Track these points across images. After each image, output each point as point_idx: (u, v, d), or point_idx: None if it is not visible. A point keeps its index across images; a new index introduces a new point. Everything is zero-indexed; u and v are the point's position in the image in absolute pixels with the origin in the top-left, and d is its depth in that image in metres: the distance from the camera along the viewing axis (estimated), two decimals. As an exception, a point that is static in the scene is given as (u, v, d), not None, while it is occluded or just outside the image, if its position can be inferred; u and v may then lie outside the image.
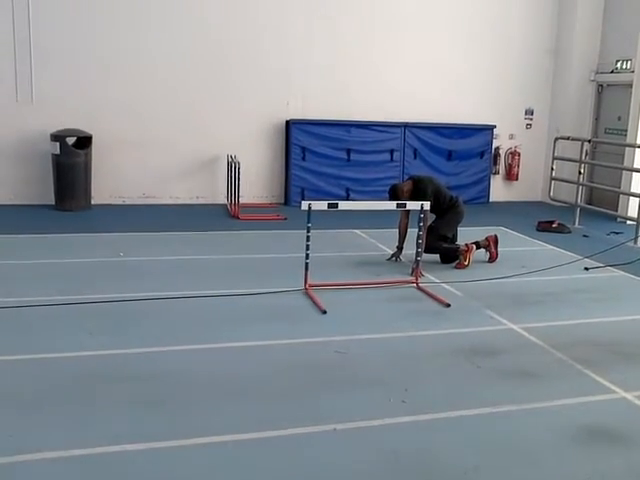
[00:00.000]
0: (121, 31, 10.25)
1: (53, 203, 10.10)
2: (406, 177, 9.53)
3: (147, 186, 10.76)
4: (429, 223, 7.20)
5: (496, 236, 7.88)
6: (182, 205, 10.78)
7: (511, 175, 12.51)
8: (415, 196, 7.20)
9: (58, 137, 9.85)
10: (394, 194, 7.34)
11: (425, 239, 6.93)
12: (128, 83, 10.39)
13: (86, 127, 10.08)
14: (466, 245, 7.59)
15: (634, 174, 10.53)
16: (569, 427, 4.00)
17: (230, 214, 10.18)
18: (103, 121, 10.25)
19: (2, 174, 10.16)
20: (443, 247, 7.57)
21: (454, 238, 7.76)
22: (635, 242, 9.05)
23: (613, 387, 4.54)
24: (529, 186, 12.59)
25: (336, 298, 6.18)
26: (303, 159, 11.16)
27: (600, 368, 4.83)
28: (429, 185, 7.46)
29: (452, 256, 7.63)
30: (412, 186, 7.45)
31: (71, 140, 9.99)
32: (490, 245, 7.78)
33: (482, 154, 12.11)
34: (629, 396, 4.43)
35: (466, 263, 7.51)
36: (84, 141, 10.06)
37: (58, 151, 9.85)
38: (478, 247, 7.70)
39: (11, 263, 7.02)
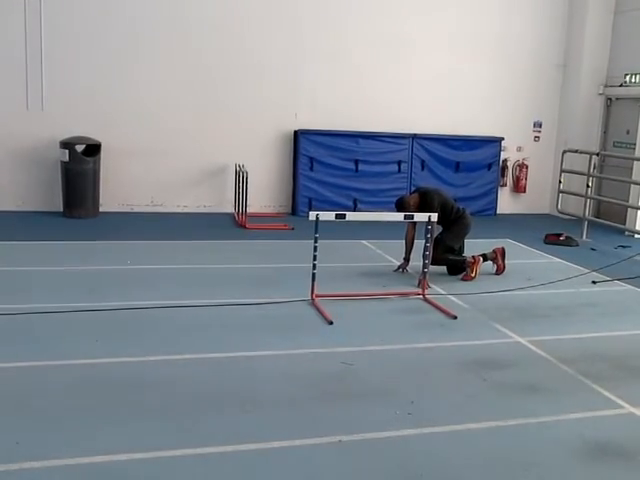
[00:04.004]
0: (131, 41, 10.31)
1: (61, 210, 10.15)
2: (413, 188, 9.52)
3: (155, 194, 10.79)
4: (436, 235, 7.19)
5: (503, 248, 7.87)
6: (190, 213, 10.80)
7: (519, 187, 12.49)
8: (422, 208, 7.18)
9: (67, 144, 9.91)
10: (401, 207, 7.32)
11: (432, 251, 6.92)
12: (137, 92, 10.44)
13: (95, 135, 10.13)
14: (473, 257, 7.57)
15: (642, 188, 10.51)
16: (576, 442, 3.98)
17: (237, 223, 10.19)
18: (112, 129, 10.31)
19: (12, 181, 10.21)
20: (450, 259, 7.56)
21: (461, 250, 7.75)
22: (643, 256, 9.03)
23: (620, 402, 4.52)
24: (537, 199, 12.57)
25: (343, 309, 6.18)
26: (311, 169, 11.18)
27: (608, 383, 4.80)
28: (436, 197, 7.45)
29: (459, 267, 7.62)
30: (419, 199, 7.43)
31: (80, 148, 10.04)
32: (497, 257, 7.77)
33: (490, 166, 12.10)
34: (637, 411, 4.41)
35: (473, 275, 7.49)
36: (93, 149, 10.11)
37: (67, 158, 9.90)
38: (485, 259, 7.69)
39: (18, 270, 7.04)
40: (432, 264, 7.09)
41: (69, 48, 10.13)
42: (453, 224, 7.55)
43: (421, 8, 11.39)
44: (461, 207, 7.73)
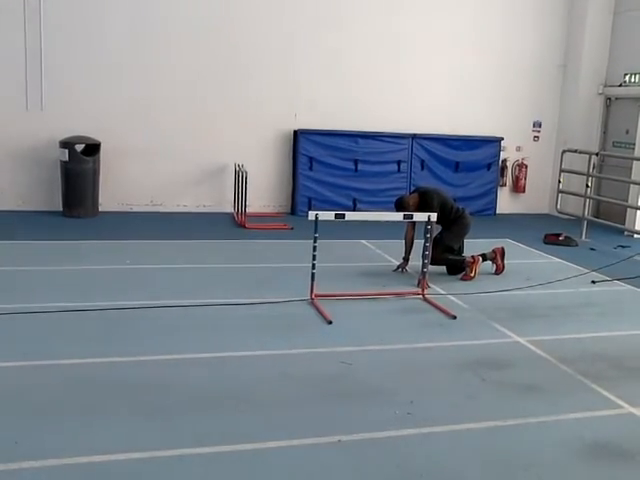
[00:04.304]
0: (130, 41, 10.30)
1: (61, 210, 10.14)
2: (413, 188, 9.51)
3: (154, 194, 10.79)
4: (435, 235, 7.18)
5: (503, 248, 7.86)
6: (189, 213, 10.79)
7: (518, 187, 12.49)
8: (421, 208, 7.16)
9: (67, 144, 9.90)
10: (400, 207, 7.31)
11: (431, 251, 6.91)
12: (137, 91, 10.44)
13: (95, 134, 10.13)
14: (472, 257, 7.57)
15: (642, 188, 10.51)
16: (575, 442, 3.98)
17: (237, 223, 10.19)
18: (111, 128, 10.30)
19: (11, 180, 10.21)
20: (449, 259, 7.56)
21: (460, 249, 7.74)
22: (642, 256, 9.02)
23: (620, 402, 4.52)
24: (536, 198, 12.57)
25: (342, 309, 6.17)
26: (310, 169, 11.18)
27: (607, 382, 4.80)
28: (435, 197, 7.43)
29: (459, 267, 7.62)
30: (418, 198, 7.42)
31: (80, 147, 10.04)
32: (497, 257, 7.76)
33: (489, 166, 12.10)
34: (636, 411, 4.40)
35: (472, 275, 7.49)
36: (92, 148, 10.10)
37: (67, 158, 9.90)
38: (485, 259, 7.69)
39: (17, 269, 7.03)
40: (431, 264, 7.07)
41: (68, 48, 10.12)
42: (453, 224, 7.55)
43: (421, 8, 11.38)
44: (460, 207, 7.73)
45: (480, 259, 7.60)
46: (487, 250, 7.80)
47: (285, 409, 4.22)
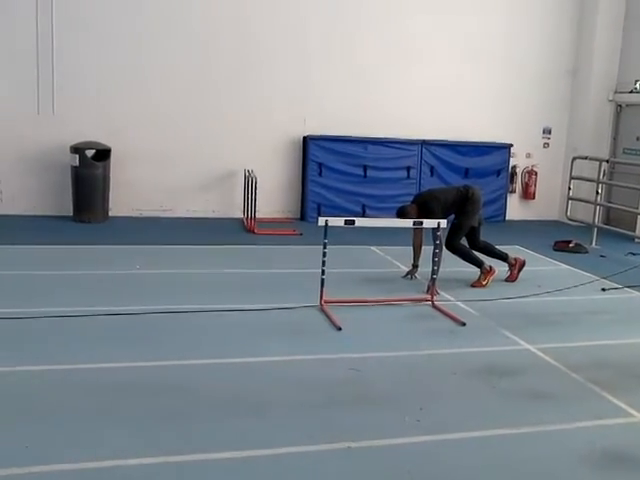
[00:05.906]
0: (141, 46, 10.37)
1: (71, 214, 10.19)
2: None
3: (164, 199, 10.82)
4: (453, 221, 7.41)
5: (524, 262, 7.82)
6: (198, 218, 10.83)
7: (528, 194, 12.46)
8: (424, 217, 7.10)
9: (77, 149, 9.96)
10: (402, 218, 7.29)
11: (450, 237, 7.28)
12: (147, 97, 10.50)
13: (105, 140, 10.18)
14: (490, 267, 7.53)
15: (652, 195, 10.46)
16: (586, 450, 3.95)
17: (246, 228, 10.21)
18: (122, 134, 10.36)
19: (23, 185, 10.27)
20: (470, 256, 7.54)
21: (480, 222, 7.64)
22: (653, 263, 8.96)
23: (631, 410, 4.48)
24: (546, 205, 12.54)
25: (351, 315, 6.17)
26: (320, 175, 11.19)
27: (617, 390, 4.77)
28: (434, 204, 7.34)
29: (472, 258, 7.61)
30: (418, 209, 7.34)
31: (90, 152, 10.09)
32: (515, 266, 7.73)
33: (499, 172, 12.09)
34: (647, 420, 4.38)
35: (484, 284, 7.46)
36: (103, 153, 10.16)
37: (77, 163, 9.95)
38: (504, 259, 7.72)
39: (28, 274, 7.07)
40: (449, 250, 7.33)
41: (80, 53, 10.20)
42: (462, 211, 7.49)
43: (430, 15, 11.39)
44: (461, 188, 7.62)
45: (496, 271, 7.54)
46: (511, 254, 7.84)
47: (294, 415, 4.21)
